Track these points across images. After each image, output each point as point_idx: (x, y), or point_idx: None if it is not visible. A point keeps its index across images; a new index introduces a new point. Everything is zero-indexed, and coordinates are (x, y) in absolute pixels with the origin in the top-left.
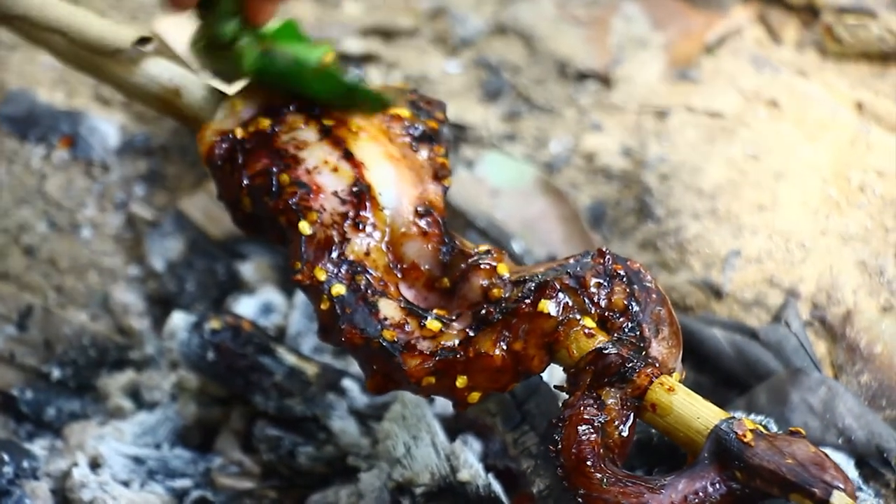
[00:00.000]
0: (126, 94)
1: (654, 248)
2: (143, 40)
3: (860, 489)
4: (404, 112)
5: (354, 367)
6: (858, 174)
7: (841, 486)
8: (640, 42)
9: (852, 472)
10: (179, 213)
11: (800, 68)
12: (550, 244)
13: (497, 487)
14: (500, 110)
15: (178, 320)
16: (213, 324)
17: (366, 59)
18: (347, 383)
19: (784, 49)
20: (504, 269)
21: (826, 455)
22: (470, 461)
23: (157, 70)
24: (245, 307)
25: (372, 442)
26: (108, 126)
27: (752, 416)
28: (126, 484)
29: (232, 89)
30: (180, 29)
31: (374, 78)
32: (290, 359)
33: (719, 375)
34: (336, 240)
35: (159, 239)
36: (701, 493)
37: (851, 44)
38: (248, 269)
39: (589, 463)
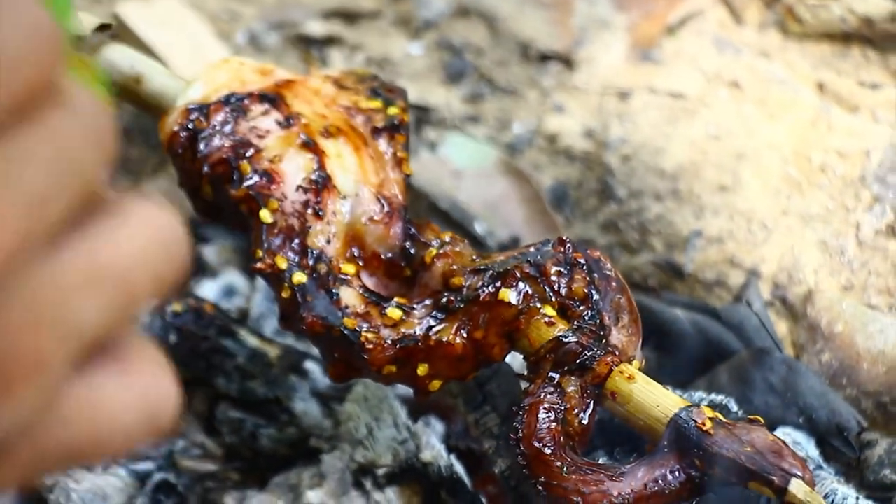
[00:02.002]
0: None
1: (615, 229)
2: (104, 27)
3: (820, 468)
4: (367, 101)
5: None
6: (819, 154)
7: (799, 473)
8: (602, 23)
9: (813, 450)
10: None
11: (761, 49)
12: (513, 225)
13: (459, 468)
14: (463, 92)
15: None
16: (175, 307)
17: (328, 41)
18: (310, 365)
19: (746, 30)
20: (465, 258)
21: (784, 443)
22: (432, 442)
23: (118, 57)
24: (208, 290)
25: (334, 423)
26: None
27: (714, 396)
28: (88, 468)
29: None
30: (143, 13)
31: (337, 61)
32: (253, 341)
33: (681, 355)
34: (297, 228)
35: None
36: (660, 481)
37: (813, 24)
38: (210, 252)
39: (549, 451)
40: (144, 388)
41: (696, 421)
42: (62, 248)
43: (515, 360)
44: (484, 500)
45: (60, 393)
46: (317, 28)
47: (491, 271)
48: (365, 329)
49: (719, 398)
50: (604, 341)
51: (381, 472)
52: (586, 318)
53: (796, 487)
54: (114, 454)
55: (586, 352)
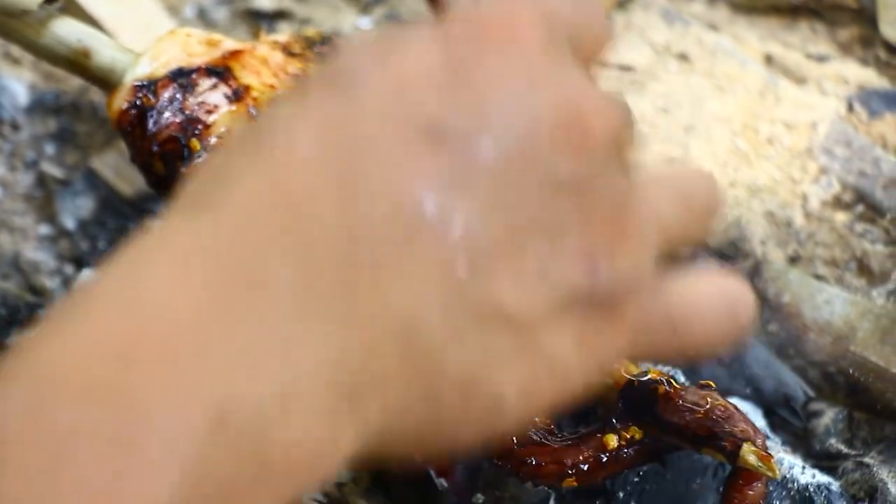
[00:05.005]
0: (36, 55)
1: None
2: (51, 0)
3: (768, 438)
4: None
5: None
6: (767, 126)
7: (751, 438)
8: None
9: (760, 421)
10: (90, 172)
11: (710, 22)
12: None
13: None
14: None
15: (88, 278)
16: None
17: (278, 15)
18: None
19: (695, 3)
20: None
21: (736, 408)
22: None
23: (66, 31)
24: None
25: None
26: (17, 85)
27: (661, 368)
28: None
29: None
30: None
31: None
32: None
33: None
34: None
35: (70, 198)
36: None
37: None
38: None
39: None
40: (721, 283)
41: (648, 388)
42: None
43: None
44: (432, 472)
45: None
46: (266, 2)
47: None
48: None
49: (666, 369)
50: None
51: None
52: None
53: (748, 453)
54: (700, 350)
55: None
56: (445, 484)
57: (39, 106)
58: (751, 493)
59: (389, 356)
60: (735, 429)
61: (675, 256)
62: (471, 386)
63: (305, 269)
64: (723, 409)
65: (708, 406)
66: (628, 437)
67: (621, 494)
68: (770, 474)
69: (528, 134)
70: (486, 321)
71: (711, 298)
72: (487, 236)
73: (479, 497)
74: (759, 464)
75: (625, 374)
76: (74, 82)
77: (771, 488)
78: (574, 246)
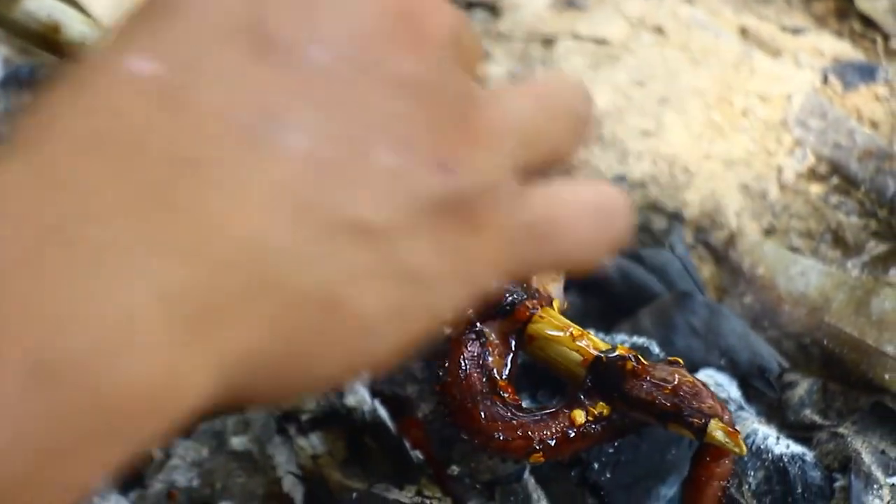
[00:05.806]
0: (7, 31)
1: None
2: None
3: (742, 408)
4: None
5: None
6: (741, 98)
7: (718, 415)
8: None
9: (735, 392)
10: None
11: None
12: None
13: (383, 412)
14: None
15: None
16: None
17: None
18: None
19: None
20: None
21: (704, 385)
22: (356, 387)
23: (36, 6)
24: None
25: None
26: None
27: (636, 339)
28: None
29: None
30: None
31: None
32: None
33: (605, 299)
34: None
35: None
36: (582, 425)
37: None
38: None
39: (470, 401)
40: (595, 189)
41: (616, 364)
42: None
43: None
44: (407, 444)
45: (514, 181)
46: None
47: None
48: None
49: (641, 340)
50: (525, 285)
51: (304, 417)
52: None
53: (714, 429)
54: (576, 259)
55: (507, 296)
56: (421, 456)
57: (14, 80)
58: (718, 469)
59: (235, 284)
60: (702, 405)
61: (549, 172)
62: (331, 304)
63: (132, 201)
64: (690, 385)
65: (675, 382)
66: (596, 412)
67: (596, 465)
68: (737, 450)
69: (358, 34)
70: (339, 234)
71: (580, 203)
72: (331, 146)
73: (455, 469)
74: (727, 440)
75: (593, 351)
76: (49, 57)
77: (746, 459)
78: (421, 151)
